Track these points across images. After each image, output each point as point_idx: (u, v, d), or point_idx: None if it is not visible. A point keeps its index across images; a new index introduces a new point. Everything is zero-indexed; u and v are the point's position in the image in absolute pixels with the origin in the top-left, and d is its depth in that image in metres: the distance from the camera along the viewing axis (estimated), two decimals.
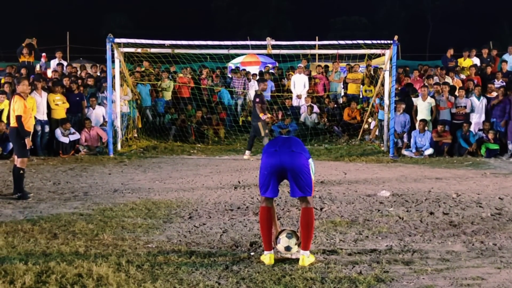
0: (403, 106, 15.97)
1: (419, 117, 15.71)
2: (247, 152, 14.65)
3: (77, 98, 15.85)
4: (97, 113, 16.23)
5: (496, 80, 17.22)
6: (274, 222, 5.96)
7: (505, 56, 19.03)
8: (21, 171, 9.37)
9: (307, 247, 5.69)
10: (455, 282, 5.16)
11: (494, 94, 16.07)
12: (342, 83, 20.13)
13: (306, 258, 5.64)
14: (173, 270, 5.45)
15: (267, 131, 14.63)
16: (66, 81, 16.29)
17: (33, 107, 14.20)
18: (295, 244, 5.92)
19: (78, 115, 15.92)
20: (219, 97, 19.55)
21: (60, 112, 15.31)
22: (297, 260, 5.74)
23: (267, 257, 5.71)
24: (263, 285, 5.07)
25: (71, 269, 5.37)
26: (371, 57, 17.88)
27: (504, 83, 16.89)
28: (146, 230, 7.06)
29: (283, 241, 5.91)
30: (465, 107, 15.84)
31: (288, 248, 5.88)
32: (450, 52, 19.59)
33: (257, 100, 14.40)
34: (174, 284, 5.07)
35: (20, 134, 9.31)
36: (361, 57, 18.03)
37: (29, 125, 9.56)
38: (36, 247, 6.21)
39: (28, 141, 9.33)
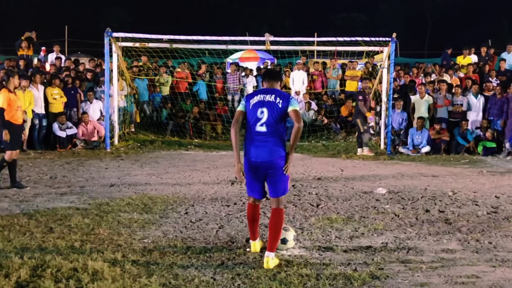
0: (401, 103, 15.98)
1: (416, 115, 15.72)
2: (361, 149, 14.76)
3: (72, 92, 15.82)
4: (94, 108, 16.20)
5: (490, 78, 17.23)
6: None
7: (504, 55, 19.03)
8: (4, 164, 9.43)
9: (273, 249, 5.57)
10: (450, 279, 5.18)
11: (492, 92, 16.08)
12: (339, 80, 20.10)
13: (270, 260, 5.49)
14: (169, 265, 5.46)
15: (366, 127, 14.81)
16: (63, 75, 16.29)
17: (30, 100, 14.26)
18: (292, 238, 5.95)
19: (73, 110, 15.90)
20: (195, 90, 19.37)
21: (57, 106, 15.29)
22: (293, 256, 5.76)
23: (252, 245, 5.99)
24: (258, 281, 5.07)
25: (66, 263, 5.37)
26: (369, 54, 17.86)
27: (498, 81, 16.90)
28: (142, 225, 7.06)
29: None
30: (462, 105, 15.86)
31: (284, 241, 5.91)
32: (450, 51, 19.67)
33: (360, 98, 14.82)
34: (169, 279, 5.08)
35: (5, 127, 9.34)
36: (360, 54, 18.00)
37: (16, 118, 9.54)
38: (32, 241, 6.21)
39: (5, 134, 9.29)
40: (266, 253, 5.53)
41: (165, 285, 4.94)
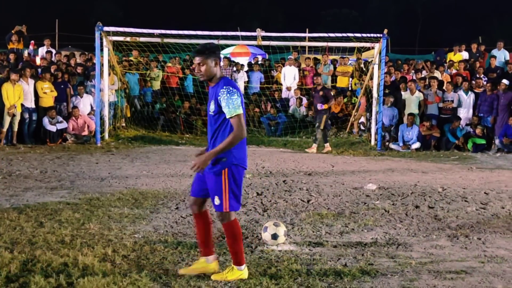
0: (391, 99, 16.02)
1: (407, 111, 15.77)
2: (327, 144, 14.82)
3: (62, 86, 15.74)
4: (84, 102, 16.14)
5: (478, 75, 17.32)
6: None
7: (494, 52, 19.12)
8: None
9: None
10: (439, 275, 5.21)
11: (482, 89, 16.16)
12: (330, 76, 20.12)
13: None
14: (159, 261, 5.46)
15: (317, 124, 14.74)
16: (53, 69, 16.20)
17: (20, 94, 14.19)
18: (283, 233, 5.96)
19: (64, 104, 15.83)
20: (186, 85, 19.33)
21: (48, 100, 15.20)
22: (283, 251, 5.77)
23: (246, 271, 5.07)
24: (249, 276, 5.08)
25: (56, 258, 5.36)
26: (360, 50, 17.89)
27: (486, 79, 16.99)
28: (132, 220, 7.05)
29: (270, 229, 5.96)
30: (452, 101, 15.93)
31: (274, 236, 5.92)
32: (447, 49, 19.84)
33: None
34: (159, 274, 5.07)
35: None
36: (351, 50, 18.03)
37: None
38: (22, 236, 6.18)
39: None
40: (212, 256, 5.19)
41: (155, 280, 4.94)
